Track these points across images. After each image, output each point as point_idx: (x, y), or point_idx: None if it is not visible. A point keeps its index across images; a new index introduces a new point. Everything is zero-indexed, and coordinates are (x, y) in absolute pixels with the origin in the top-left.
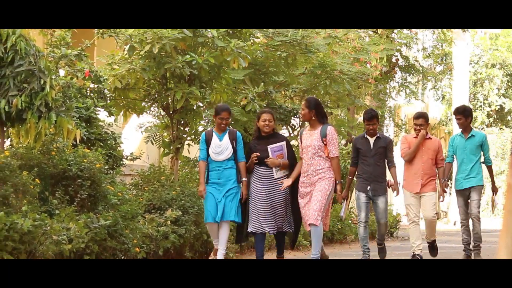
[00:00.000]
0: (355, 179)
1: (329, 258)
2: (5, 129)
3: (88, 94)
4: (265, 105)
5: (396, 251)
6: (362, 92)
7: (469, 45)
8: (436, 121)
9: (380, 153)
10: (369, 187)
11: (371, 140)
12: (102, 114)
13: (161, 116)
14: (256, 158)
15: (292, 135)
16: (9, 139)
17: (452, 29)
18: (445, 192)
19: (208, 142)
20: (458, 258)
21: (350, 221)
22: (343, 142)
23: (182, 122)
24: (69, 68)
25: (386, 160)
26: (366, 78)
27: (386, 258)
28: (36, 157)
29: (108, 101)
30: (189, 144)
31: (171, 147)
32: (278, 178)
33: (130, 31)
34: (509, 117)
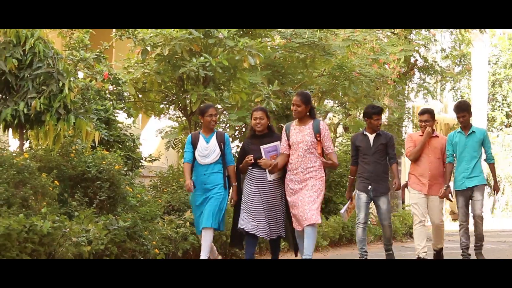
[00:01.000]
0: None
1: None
2: (24, 131)
3: (107, 96)
4: (281, 103)
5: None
6: (381, 93)
7: (487, 45)
8: (455, 121)
9: (380, 150)
10: (370, 187)
11: (371, 137)
12: (121, 116)
13: (179, 118)
14: (251, 160)
15: None
16: (28, 141)
17: (469, 30)
18: (449, 199)
19: (194, 144)
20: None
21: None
22: None
23: (200, 123)
24: (87, 70)
25: (387, 158)
26: (384, 79)
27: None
28: (55, 159)
29: (127, 103)
30: None
31: None
32: (272, 180)
33: (142, 34)
34: None
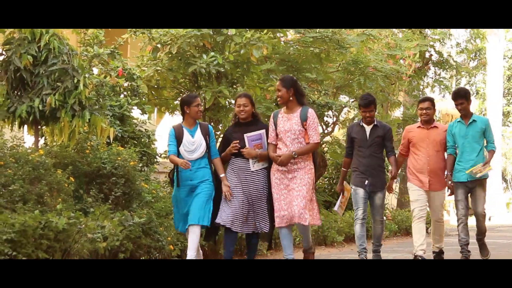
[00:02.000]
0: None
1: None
2: (39, 128)
3: (122, 92)
4: None
5: (429, 246)
6: (396, 88)
7: (502, 40)
8: None
9: (377, 143)
10: (367, 182)
11: (368, 129)
12: (136, 112)
13: None
14: (236, 148)
15: (326, 131)
16: (43, 137)
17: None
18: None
19: (179, 138)
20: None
21: (384, 218)
22: None
23: (214, 119)
24: (102, 67)
25: (385, 151)
26: (399, 75)
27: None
28: (70, 156)
29: (142, 99)
30: None
31: None
32: (255, 171)
33: (153, 32)
34: None
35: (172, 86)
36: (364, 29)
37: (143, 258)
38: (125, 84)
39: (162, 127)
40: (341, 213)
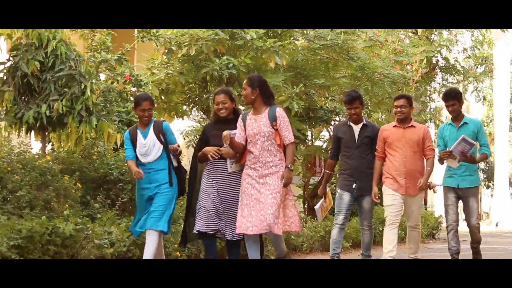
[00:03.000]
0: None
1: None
2: (46, 133)
3: (129, 98)
4: (303, 105)
5: (437, 252)
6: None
7: (509, 45)
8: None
9: (366, 143)
10: (354, 185)
11: (356, 128)
12: None
13: (201, 119)
14: (217, 154)
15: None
16: (50, 143)
17: (491, 30)
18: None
19: (133, 141)
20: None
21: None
22: None
23: None
24: (109, 72)
25: (373, 153)
26: (406, 81)
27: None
28: (77, 161)
29: None
30: None
31: None
32: (233, 172)
33: (168, 33)
34: None
35: (181, 91)
36: (371, 36)
37: None
38: (132, 90)
39: None
40: (321, 218)
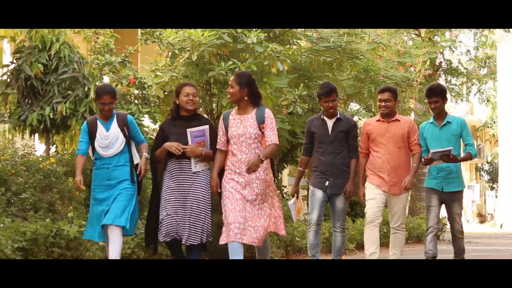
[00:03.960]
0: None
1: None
2: (50, 136)
3: (133, 100)
4: (307, 107)
5: (442, 254)
6: (407, 96)
7: None
8: (481, 123)
9: (340, 139)
10: (327, 183)
11: (329, 123)
12: (147, 121)
13: None
14: (180, 150)
15: None
16: (54, 146)
17: (493, 31)
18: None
19: (92, 133)
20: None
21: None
22: None
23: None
24: (113, 75)
25: (347, 148)
26: (410, 82)
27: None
28: None
29: (153, 108)
30: None
31: None
32: (197, 172)
33: (171, 38)
34: None
35: None
36: (374, 37)
37: None
38: (136, 92)
39: None
40: (295, 218)
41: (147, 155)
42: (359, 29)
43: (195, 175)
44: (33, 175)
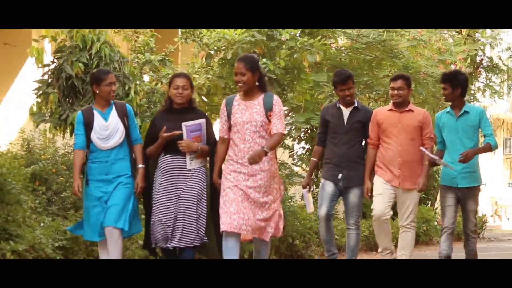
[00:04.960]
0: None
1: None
2: None
3: None
4: None
5: (482, 252)
6: None
7: None
8: None
9: (356, 129)
10: (340, 175)
11: (345, 112)
12: None
13: None
14: (172, 136)
15: None
16: None
17: None
18: (435, 161)
19: (88, 124)
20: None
21: (435, 223)
22: None
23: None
24: (153, 74)
25: (365, 140)
26: None
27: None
28: None
29: None
30: None
31: None
32: (192, 169)
33: (206, 39)
34: None
35: (223, 93)
36: (414, 34)
37: None
38: None
39: None
40: (310, 209)
41: (143, 166)
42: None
43: (190, 172)
44: None
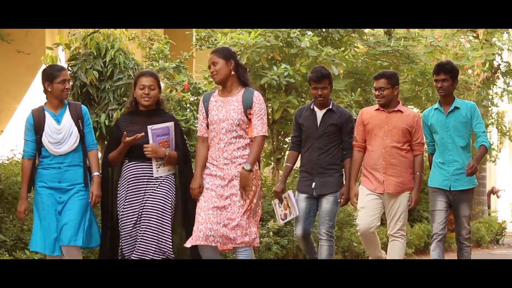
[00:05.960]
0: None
1: None
2: (105, 143)
3: (188, 106)
4: None
5: (503, 258)
6: (465, 99)
7: None
8: None
9: (330, 133)
10: (313, 184)
11: (319, 114)
12: None
13: None
14: (132, 140)
15: None
16: None
17: None
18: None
19: (38, 127)
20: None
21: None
22: None
23: (282, 132)
24: (168, 81)
25: (341, 146)
26: (468, 85)
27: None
28: None
29: None
30: None
31: (272, 157)
32: (160, 177)
33: (221, 44)
34: None
35: None
36: (431, 41)
37: None
38: (191, 99)
39: None
40: (279, 220)
41: (98, 174)
42: (416, 33)
43: (157, 181)
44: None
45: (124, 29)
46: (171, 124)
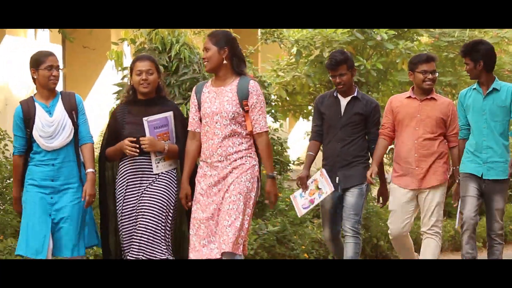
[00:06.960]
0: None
1: None
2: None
3: None
4: None
5: None
6: None
7: None
8: None
9: (355, 123)
10: (337, 179)
11: (343, 102)
12: (268, 120)
13: None
14: (135, 148)
15: None
16: None
17: None
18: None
19: (28, 120)
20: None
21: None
22: None
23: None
24: None
25: (366, 136)
26: None
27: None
28: None
29: (274, 106)
30: None
31: None
32: (159, 173)
33: (298, 35)
34: None
35: (308, 92)
36: (498, 32)
37: None
38: None
39: (294, 133)
40: (299, 213)
41: (93, 171)
42: None
43: (158, 178)
44: None
45: None
46: (169, 114)
